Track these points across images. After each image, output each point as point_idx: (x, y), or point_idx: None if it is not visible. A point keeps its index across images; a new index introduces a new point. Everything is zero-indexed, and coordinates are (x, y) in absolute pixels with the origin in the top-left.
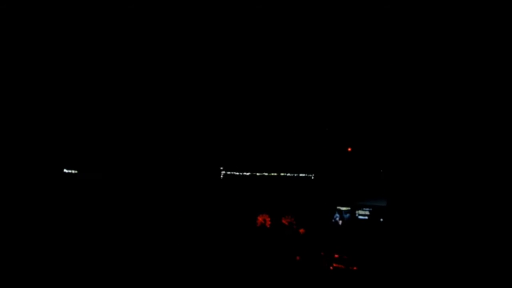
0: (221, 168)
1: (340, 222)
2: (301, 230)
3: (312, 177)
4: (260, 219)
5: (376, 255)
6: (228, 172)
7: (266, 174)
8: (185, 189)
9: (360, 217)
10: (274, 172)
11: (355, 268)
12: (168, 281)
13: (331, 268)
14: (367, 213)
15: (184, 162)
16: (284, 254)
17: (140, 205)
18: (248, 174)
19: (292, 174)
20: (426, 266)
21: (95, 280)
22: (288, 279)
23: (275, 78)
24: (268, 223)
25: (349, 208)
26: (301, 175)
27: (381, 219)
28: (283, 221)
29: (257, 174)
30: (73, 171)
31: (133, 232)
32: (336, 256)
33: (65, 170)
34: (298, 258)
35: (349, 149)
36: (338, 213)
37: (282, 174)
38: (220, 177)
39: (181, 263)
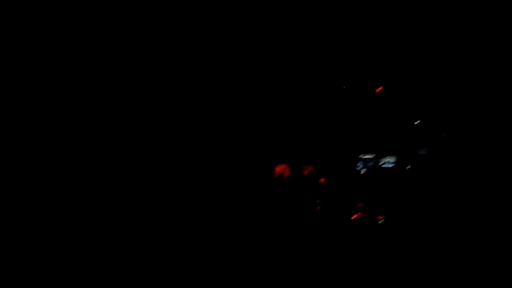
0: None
1: (364, 170)
2: (322, 180)
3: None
4: (278, 169)
5: (401, 205)
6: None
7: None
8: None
9: (385, 165)
10: (292, 118)
11: (380, 217)
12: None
13: (353, 217)
14: (392, 160)
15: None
16: (304, 205)
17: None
18: (263, 121)
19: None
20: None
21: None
22: (309, 230)
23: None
24: (287, 173)
25: (372, 156)
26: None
27: (408, 167)
28: (303, 171)
29: (273, 121)
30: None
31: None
32: (360, 205)
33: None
34: (318, 208)
35: (379, 89)
36: (362, 162)
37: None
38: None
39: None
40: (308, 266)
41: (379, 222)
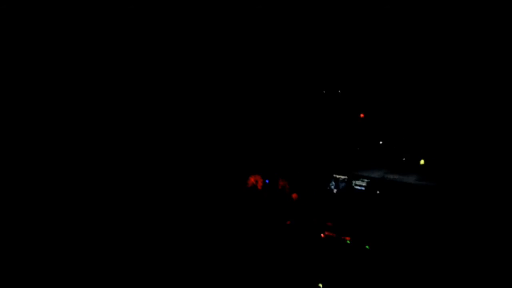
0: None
1: (335, 190)
2: (294, 195)
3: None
4: (251, 179)
5: (371, 228)
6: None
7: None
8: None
9: (357, 187)
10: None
11: (347, 238)
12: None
13: (322, 235)
14: (364, 184)
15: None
16: (274, 217)
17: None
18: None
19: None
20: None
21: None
22: (277, 242)
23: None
24: (260, 184)
25: (346, 177)
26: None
27: (378, 192)
28: (277, 184)
29: (251, 132)
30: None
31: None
32: (329, 224)
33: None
34: (288, 222)
35: (362, 115)
36: (334, 181)
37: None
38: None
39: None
40: (272, 278)
41: (347, 243)
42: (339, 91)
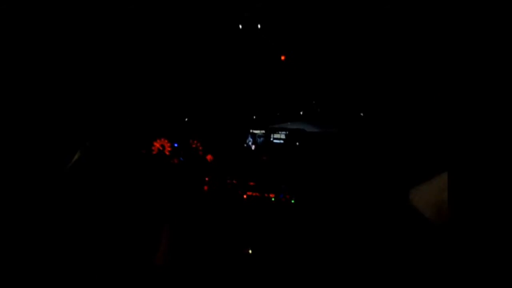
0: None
1: (253, 147)
2: (209, 157)
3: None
4: (156, 145)
5: (294, 181)
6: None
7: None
8: None
9: (275, 141)
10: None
11: (271, 195)
12: None
13: (244, 196)
14: (283, 136)
15: None
16: (189, 184)
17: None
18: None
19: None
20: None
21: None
22: (196, 211)
23: None
24: (167, 149)
25: (263, 131)
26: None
27: (297, 143)
28: (188, 146)
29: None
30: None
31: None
32: (251, 183)
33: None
34: (206, 188)
35: (283, 58)
36: (251, 137)
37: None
38: None
39: None
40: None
41: (272, 200)
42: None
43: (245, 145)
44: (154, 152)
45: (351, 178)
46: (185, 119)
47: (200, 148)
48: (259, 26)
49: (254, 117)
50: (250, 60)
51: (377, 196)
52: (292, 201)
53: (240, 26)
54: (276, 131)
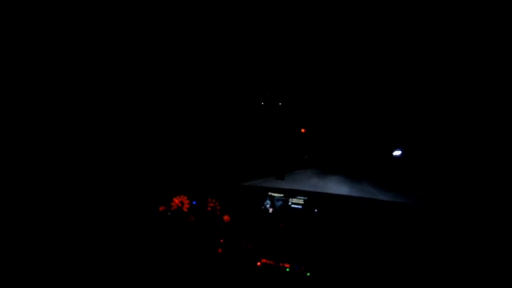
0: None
1: (271, 210)
2: (226, 217)
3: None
4: (176, 201)
5: (311, 251)
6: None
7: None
8: None
9: (293, 205)
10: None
11: (286, 265)
12: None
13: (258, 264)
14: (301, 202)
15: None
16: (203, 245)
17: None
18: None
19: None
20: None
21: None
22: (208, 275)
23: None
24: (186, 206)
25: (282, 195)
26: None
27: (316, 210)
28: (205, 205)
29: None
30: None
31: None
32: (266, 250)
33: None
34: (220, 250)
35: (303, 130)
36: (270, 200)
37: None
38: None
39: None
40: None
41: (286, 271)
42: (279, 103)
43: (263, 207)
44: (173, 208)
45: (371, 251)
46: (205, 176)
47: (218, 207)
48: (280, 104)
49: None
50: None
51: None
52: (308, 274)
53: (262, 103)
54: (294, 195)
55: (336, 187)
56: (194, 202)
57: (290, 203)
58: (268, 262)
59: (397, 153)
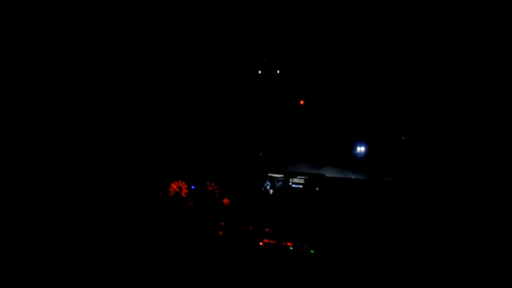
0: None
1: (271, 191)
2: (225, 200)
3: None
4: (174, 186)
5: (313, 229)
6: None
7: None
8: None
9: (294, 185)
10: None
11: (289, 243)
12: None
13: (261, 244)
14: (302, 181)
15: None
16: (204, 229)
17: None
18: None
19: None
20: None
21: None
22: (209, 258)
23: None
24: (184, 191)
25: (282, 176)
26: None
27: (317, 188)
28: (204, 189)
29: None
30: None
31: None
32: (267, 230)
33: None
34: (221, 233)
35: (302, 102)
36: (269, 181)
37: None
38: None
39: None
40: None
41: (290, 249)
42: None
43: (263, 189)
44: (171, 194)
45: (374, 226)
46: (203, 159)
47: (217, 191)
48: (278, 71)
49: (272, 157)
50: (269, 102)
51: (399, 244)
52: (312, 252)
53: (260, 72)
54: (295, 175)
55: (330, 172)
56: (192, 187)
57: (290, 183)
58: (271, 242)
59: (361, 149)
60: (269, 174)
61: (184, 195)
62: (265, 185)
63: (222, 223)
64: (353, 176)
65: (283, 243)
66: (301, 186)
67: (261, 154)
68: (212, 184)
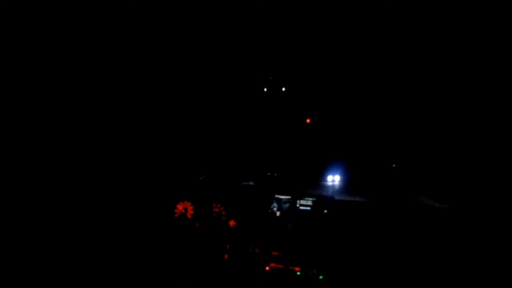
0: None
1: (278, 213)
2: (231, 222)
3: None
4: (179, 207)
5: (322, 253)
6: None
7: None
8: None
9: (302, 207)
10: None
11: (297, 268)
12: None
13: (267, 268)
14: (310, 203)
15: None
16: (209, 252)
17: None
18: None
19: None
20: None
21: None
22: (215, 282)
23: None
24: (190, 212)
25: (289, 197)
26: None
27: (325, 211)
28: (210, 211)
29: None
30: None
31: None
32: (274, 253)
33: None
34: (226, 256)
35: (308, 121)
36: (276, 203)
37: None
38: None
39: None
40: None
41: (297, 274)
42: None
43: (270, 211)
44: (176, 215)
45: (386, 252)
46: (210, 180)
47: (224, 212)
48: (283, 89)
49: (279, 179)
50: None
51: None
52: (320, 277)
53: (265, 89)
54: (303, 197)
55: (338, 195)
56: (198, 208)
57: (298, 205)
58: (278, 266)
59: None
60: (276, 196)
61: (189, 216)
62: (272, 207)
63: (228, 246)
64: (362, 199)
65: (291, 268)
66: (309, 208)
67: (269, 174)
68: (219, 205)
